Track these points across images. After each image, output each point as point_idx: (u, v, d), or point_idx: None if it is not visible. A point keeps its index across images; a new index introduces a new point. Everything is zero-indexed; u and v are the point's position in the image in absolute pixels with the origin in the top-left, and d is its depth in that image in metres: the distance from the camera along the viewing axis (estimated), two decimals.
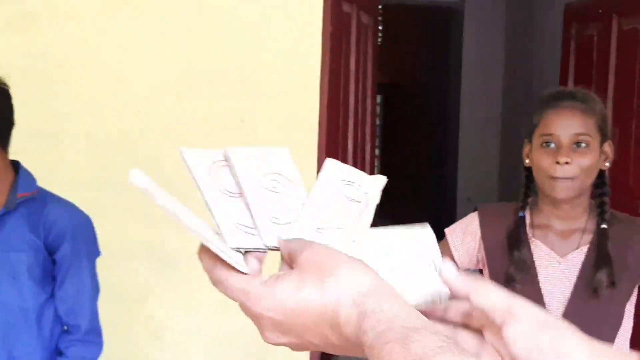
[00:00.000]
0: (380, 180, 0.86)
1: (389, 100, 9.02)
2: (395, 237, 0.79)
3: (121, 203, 3.87)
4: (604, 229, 2.03)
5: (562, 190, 1.99)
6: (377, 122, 9.02)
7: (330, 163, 0.85)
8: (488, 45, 7.91)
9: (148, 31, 3.90)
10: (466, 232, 2.17)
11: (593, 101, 2.07)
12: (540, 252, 2.06)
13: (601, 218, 2.04)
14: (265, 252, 0.78)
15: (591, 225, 2.05)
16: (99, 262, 3.32)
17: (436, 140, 8.55)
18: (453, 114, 8.21)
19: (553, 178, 1.98)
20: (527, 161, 2.11)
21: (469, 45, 8.03)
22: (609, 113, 4.27)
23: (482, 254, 2.13)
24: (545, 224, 2.07)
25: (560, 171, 1.97)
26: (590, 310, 1.96)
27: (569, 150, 1.99)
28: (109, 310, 3.54)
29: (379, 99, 8.94)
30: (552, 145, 2.01)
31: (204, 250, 0.77)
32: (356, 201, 0.80)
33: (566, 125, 2.01)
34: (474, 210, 2.21)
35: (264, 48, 3.87)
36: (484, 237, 2.14)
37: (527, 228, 2.08)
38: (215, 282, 0.78)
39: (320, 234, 0.77)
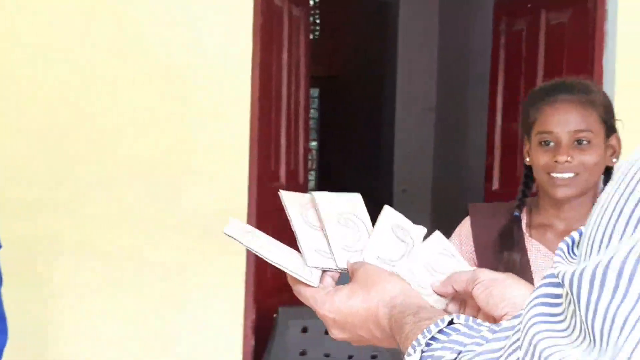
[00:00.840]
0: (422, 230, 1.11)
1: (325, 94, 9.04)
2: (429, 254, 1.09)
3: (53, 199, 3.83)
4: None
5: (562, 190, 1.88)
6: (314, 115, 9.05)
7: (388, 210, 1.11)
8: (422, 38, 7.98)
9: (77, 24, 3.85)
10: (461, 236, 2.02)
11: (594, 92, 1.92)
12: (538, 252, 1.95)
13: None
14: (338, 272, 1.06)
15: None
16: (31, 258, 3.28)
17: (372, 132, 8.60)
18: (389, 107, 8.26)
19: (553, 177, 1.88)
20: (527, 159, 1.98)
21: (404, 37, 8.09)
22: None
23: (473, 254, 2.01)
24: (545, 224, 1.96)
25: (560, 169, 1.86)
26: None
27: (569, 147, 1.87)
28: (46, 307, 3.51)
29: (315, 92, 8.96)
30: (551, 143, 1.88)
31: (289, 274, 1.07)
32: (404, 242, 1.08)
33: (565, 121, 1.87)
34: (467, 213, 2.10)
35: (194, 41, 3.85)
36: (475, 236, 2.02)
37: (525, 228, 1.98)
38: (297, 294, 1.09)
39: (377, 262, 1.07)
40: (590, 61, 3.98)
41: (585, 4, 4.03)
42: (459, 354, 0.83)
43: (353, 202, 1.12)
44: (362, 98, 8.70)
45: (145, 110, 3.87)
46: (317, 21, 8.59)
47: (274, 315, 3.89)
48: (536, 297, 0.73)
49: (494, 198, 4.66)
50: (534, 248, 1.95)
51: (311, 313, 3.96)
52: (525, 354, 0.71)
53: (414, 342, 0.87)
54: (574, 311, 0.68)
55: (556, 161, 1.86)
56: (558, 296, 0.72)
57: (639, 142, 3.34)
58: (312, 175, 9.05)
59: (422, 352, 0.86)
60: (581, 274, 0.67)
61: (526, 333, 0.71)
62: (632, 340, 0.64)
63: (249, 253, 3.87)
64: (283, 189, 4.20)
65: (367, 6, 8.52)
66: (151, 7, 3.87)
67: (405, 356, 0.88)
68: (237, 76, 3.86)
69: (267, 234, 4.11)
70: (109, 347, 3.88)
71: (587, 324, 0.67)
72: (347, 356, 3.86)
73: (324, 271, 1.07)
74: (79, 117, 3.88)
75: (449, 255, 1.09)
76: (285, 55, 4.22)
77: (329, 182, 8.93)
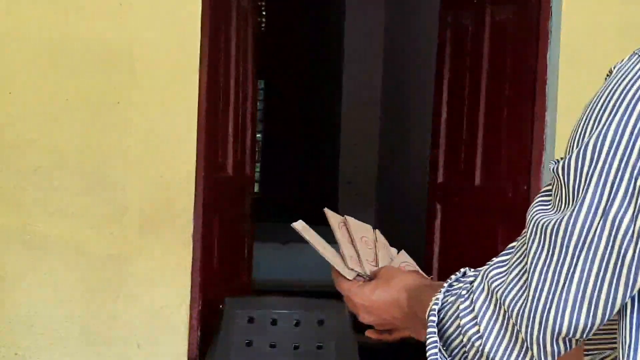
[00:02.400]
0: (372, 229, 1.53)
1: (273, 85, 9.04)
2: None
3: None
4: None
5: None
6: (259, 106, 9.04)
7: (379, 235, 1.51)
8: (368, 30, 8.03)
9: (15, 5, 3.80)
10: None
11: None
12: None
13: None
14: (364, 277, 1.40)
15: None
16: None
17: (318, 124, 8.62)
18: (334, 99, 8.30)
19: None
20: None
21: (350, 30, 8.13)
22: (482, 100, 4.42)
23: None
24: None
25: None
26: None
27: None
28: None
29: (261, 83, 8.95)
30: None
31: (334, 270, 1.37)
32: (386, 246, 1.50)
33: None
34: None
35: (141, 29, 3.83)
36: None
37: None
38: (337, 285, 1.37)
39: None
40: (534, 57, 4.05)
41: (529, 1, 4.10)
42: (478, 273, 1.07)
43: (369, 230, 1.52)
44: (308, 90, 8.72)
45: (88, 98, 3.84)
46: (264, 12, 8.57)
47: (220, 306, 3.90)
48: (536, 202, 1.01)
49: (438, 190, 4.72)
50: None
51: (257, 304, 3.99)
52: (527, 228, 0.99)
53: (437, 294, 1.11)
54: (560, 192, 0.96)
55: None
56: (549, 194, 1.00)
57: None
58: (257, 167, 9.05)
59: (445, 291, 1.11)
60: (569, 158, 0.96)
61: (530, 220, 0.99)
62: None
63: (195, 244, 3.87)
64: (230, 180, 4.22)
65: None
66: None
67: (429, 312, 1.11)
68: (185, 66, 3.85)
69: (213, 224, 4.21)
70: (50, 338, 3.85)
71: (569, 190, 0.95)
72: (292, 346, 3.89)
73: (357, 275, 1.42)
74: (18, 104, 3.83)
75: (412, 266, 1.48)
76: (233, 46, 4.22)
77: (273, 174, 8.94)
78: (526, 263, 0.99)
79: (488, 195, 4.30)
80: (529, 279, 0.98)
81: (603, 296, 0.94)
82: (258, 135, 9.05)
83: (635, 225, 0.92)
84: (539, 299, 0.96)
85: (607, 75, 1.00)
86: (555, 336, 0.97)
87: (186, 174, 3.86)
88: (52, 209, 3.83)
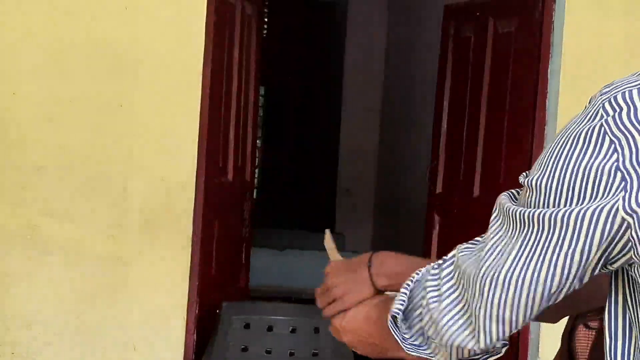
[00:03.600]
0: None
1: (273, 91, 9.05)
2: None
3: None
4: None
5: None
6: (261, 113, 9.06)
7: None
8: (370, 39, 8.04)
9: (21, 9, 3.81)
10: None
11: None
12: None
13: None
14: None
15: None
16: None
17: (317, 131, 8.64)
18: (334, 106, 8.31)
19: None
20: None
21: (351, 38, 8.15)
22: (483, 113, 4.43)
23: None
24: None
25: None
26: None
27: None
28: None
29: (262, 90, 8.97)
30: None
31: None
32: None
33: None
34: None
35: (146, 32, 3.84)
36: None
37: None
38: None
39: None
40: (536, 71, 4.07)
41: (533, 15, 4.11)
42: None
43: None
44: (308, 97, 8.73)
45: (92, 100, 3.85)
46: (266, 19, 8.59)
47: (217, 311, 3.91)
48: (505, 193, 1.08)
49: (437, 201, 4.73)
50: None
51: (254, 310, 4.00)
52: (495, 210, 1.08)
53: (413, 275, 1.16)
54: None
55: None
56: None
57: None
58: (256, 172, 9.05)
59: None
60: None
61: (497, 204, 1.08)
62: None
63: (194, 248, 3.88)
64: (229, 185, 4.23)
65: (315, 6, 8.56)
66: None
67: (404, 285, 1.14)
68: (188, 71, 3.86)
69: (212, 229, 4.20)
70: (48, 338, 3.85)
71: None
72: (288, 352, 3.90)
73: None
74: (22, 105, 3.85)
75: None
76: (236, 52, 4.23)
77: (273, 180, 8.95)
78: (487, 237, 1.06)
79: (487, 207, 4.28)
80: (483, 249, 1.05)
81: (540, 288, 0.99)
82: (258, 141, 9.07)
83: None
84: (485, 270, 1.02)
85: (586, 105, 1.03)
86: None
87: (187, 177, 3.87)
88: (54, 210, 3.84)
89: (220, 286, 4.18)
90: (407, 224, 6.75)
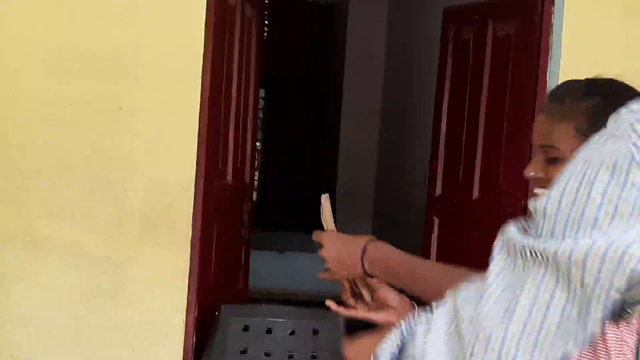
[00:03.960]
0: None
1: (273, 94, 9.06)
2: None
3: None
4: None
5: None
6: (260, 115, 9.05)
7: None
8: (370, 41, 8.05)
9: (21, 9, 3.82)
10: None
11: (581, 98, 1.65)
12: None
13: None
14: None
15: None
16: None
17: (317, 134, 8.64)
18: (334, 109, 8.31)
19: (532, 191, 1.73)
20: None
21: (351, 40, 8.15)
22: (482, 115, 4.44)
23: None
24: None
25: (532, 184, 1.72)
26: None
27: (538, 162, 1.67)
28: None
29: (262, 92, 8.97)
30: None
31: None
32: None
33: (534, 133, 1.68)
34: None
35: (146, 34, 3.85)
36: None
37: None
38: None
39: None
40: (535, 73, 4.07)
41: (532, 17, 4.12)
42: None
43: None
44: (308, 99, 8.74)
45: (91, 102, 3.86)
46: (266, 21, 8.60)
47: (216, 313, 3.91)
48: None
49: (436, 203, 4.73)
50: None
51: (253, 312, 4.00)
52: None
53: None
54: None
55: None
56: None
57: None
58: (256, 175, 9.06)
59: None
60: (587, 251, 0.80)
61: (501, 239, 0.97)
62: None
63: (193, 250, 3.88)
64: (229, 187, 4.23)
65: (316, 7, 8.56)
66: (103, 0, 3.85)
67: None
68: (188, 73, 3.87)
69: (212, 231, 4.21)
70: (46, 340, 3.85)
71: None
72: (287, 355, 3.89)
73: None
74: (22, 107, 3.85)
75: None
76: (236, 54, 4.24)
77: (273, 182, 8.95)
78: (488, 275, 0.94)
79: (485, 209, 4.32)
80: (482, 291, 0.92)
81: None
82: (258, 143, 9.08)
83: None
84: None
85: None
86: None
87: (186, 179, 3.87)
88: (54, 211, 3.84)
89: (219, 288, 4.18)
90: (406, 226, 6.75)
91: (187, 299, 3.88)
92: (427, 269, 1.80)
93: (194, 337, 3.90)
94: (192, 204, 3.87)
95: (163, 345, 3.90)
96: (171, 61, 3.87)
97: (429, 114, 5.11)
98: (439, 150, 4.75)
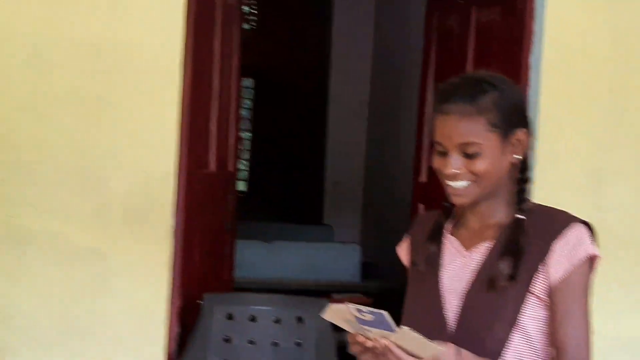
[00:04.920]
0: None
1: (260, 84, 9.04)
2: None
3: None
4: (517, 219, 1.88)
5: (457, 199, 1.87)
6: (248, 105, 9.04)
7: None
8: (357, 31, 8.04)
9: (4, 3, 3.80)
10: (406, 239, 2.08)
11: (483, 96, 1.83)
12: (451, 247, 1.95)
13: (516, 209, 1.89)
14: None
15: (510, 218, 1.91)
16: None
17: (305, 124, 8.63)
18: (322, 99, 8.31)
19: (448, 185, 1.87)
20: None
21: (338, 30, 8.14)
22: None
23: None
24: (462, 221, 1.96)
25: (452, 179, 1.85)
26: (486, 304, 1.84)
27: (456, 159, 1.84)
28: None
29: (250, 82, 8.95)
30: (445, 153, 1.85)
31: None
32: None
33: (449, 134, 1.82)
34: None
35: (125, 25, 3.83)
36: (412, 239, 2.06)
37: (449, 225, 1.99)
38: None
39: None
40: (518, 59, 4.06)
41: (515, 3, 4.11)
42: None
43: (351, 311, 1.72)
44: (296, 90, 8.73)
45: (73, 94, 3.84)
46: (255, 11, 8.58)
47: (199, 302, 3.90)
48: None
49: (421, 190, 4.73)
50: (449, 243, 1.97)
51: (236, 300, 3.99)
52: None
53: None
54: None
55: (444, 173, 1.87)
56: None
57: (565, 138, 3.46)
58: (244, 165, 9.05)
59: None
60: None
61: None
62: None
63: (175, 240, 3.87)
64: (212, 177, 4.21)
65: None
66: None
67: None
68: (168, 62, 3.85)
69: (195, 220, 4.17)
70: (29, 332, 3.84)
71: None
72: (271, 343, 3.89)
73: None
74: (4, 99, 3.83)
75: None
76: (217, 43, 4.22)
77: (261, 172, 8.95)
78: None
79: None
80: None
81: None
82: (248, 134, 9.06)
83: None
84: None
85: None
86: None
87: (168, 169, 3.86)
88: (34, 203, 3.83)
89: (203, 278, 4.17)
90: (394, 215, 6.75)
91: (171, 289, 3.87)
92: None
93: (178, 326, 3.89)
94: (175, 194, 3.86)
95: (147, 335, 3.89)
96: (151, 51, 3.85)
97: (416, 103, 5.10)
98: (423, 136, 4.74)
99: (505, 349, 1.82)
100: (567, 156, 3.93)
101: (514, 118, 1.87)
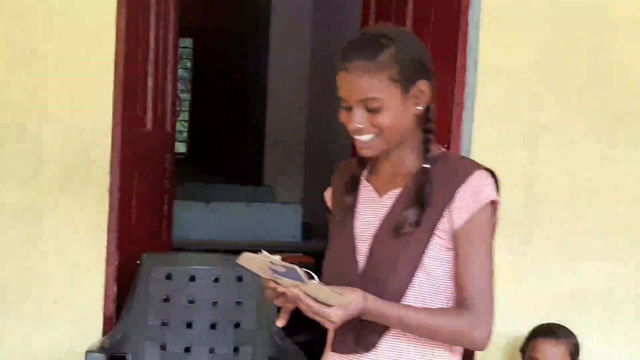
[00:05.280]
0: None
1: (199, 45, 8.94)
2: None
3: None
4: (423, 168, 1.94)
5: (364, 151, 1.93)
6: (188, 66, 8.94)
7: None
8: None
9: None
10: (329, 188, 2.16)
11: (381, 50, 1.88)
12: (366, 194, 2.02)
13: (423, 158, 1.95)
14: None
15: (418, 166, 1.97)
16: None
17: (246, 84, 8.57)
18: (262, 58, 8.24)
19: (355, 139, 1.93)
20: None
21: None
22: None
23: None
24: (377, 168, 2.03)
25: (356, 134, 1.92)
26: (391, 248, 1.91)
27: (359, 114, 1.90)
28: None
29: (189, 42, 8.84)
30: (350, 108, 1.91)
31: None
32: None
33: (350, 90, 1.89)
34: None
35: None
36: (333, 187, 2.14)
37: (365, 173, 2.05)
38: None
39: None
40: (457, 15, 4.05)
41: None
42: None
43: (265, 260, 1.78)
44: (237, 50, 8.64)
45: (3, 50, 3.74)
46: None
47: (138, 262, 3.86)
48: None
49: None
50: (364, 190, 2.04)
51: (175, 260, 3.95)
52: None
53: None
54: None
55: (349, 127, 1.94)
56: None
57: (503, 101, 3.44)
58: (183, 126, 8.97)
59: None
60: None
61: None
62: None
63: (111, 199, 3.81)
64: (149, 136, 4.15)
65: None
66: None
67: None
68: (103, 18, 3.77)
69: (132, 179, 4.18)
70: None
71: None
72: (211, 302, 3.87)
73: None
74: None
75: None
76: (153, 0, 4.15)
77: (202, 134, 8.88)
78: None
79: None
80: None
81: None
82: (187, 95, 8.97)
83: None
84: None
85: None
86: None
87: (104, 127, 3.79)
88: None
89: (141, 238, 4.13)
90: None
91: (107, 249, 3.82)
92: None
93: (115, 287, 3.85)
94: (110, 152, 3.79)
95: (84, 297, 3.84)
96: (85, 6, 3.76)
97: None
98: None
99: (409, 289, 1.88)
100: (504, 112, 3.95)
101: (414, 71, 1.92)
